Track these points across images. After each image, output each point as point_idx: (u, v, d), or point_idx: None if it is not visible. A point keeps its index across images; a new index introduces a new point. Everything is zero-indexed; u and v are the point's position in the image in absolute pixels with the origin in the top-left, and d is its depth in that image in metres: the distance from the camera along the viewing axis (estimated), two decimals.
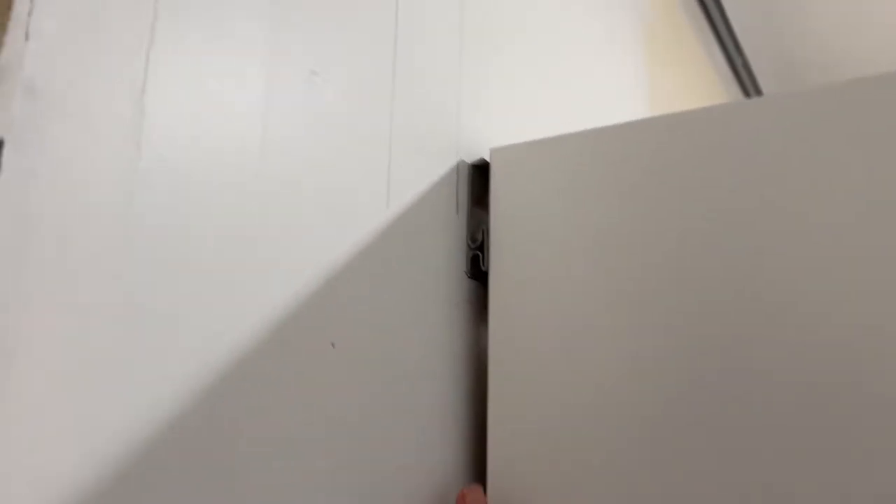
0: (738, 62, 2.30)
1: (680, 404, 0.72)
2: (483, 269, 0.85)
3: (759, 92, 2.44)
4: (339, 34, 0.72)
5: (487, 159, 0.89)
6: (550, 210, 0.84)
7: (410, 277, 0.78)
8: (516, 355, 0.81)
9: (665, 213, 0.77)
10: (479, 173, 0.90)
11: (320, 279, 0.66)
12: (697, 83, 1.97)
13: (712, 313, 0.72)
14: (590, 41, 1.32)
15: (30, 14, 0.46)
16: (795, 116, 0.70)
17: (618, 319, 0.77)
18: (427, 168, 0.82)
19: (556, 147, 0.86)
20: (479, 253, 0.86)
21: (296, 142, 0.65)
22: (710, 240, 0.74)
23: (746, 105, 0.76)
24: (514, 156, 0.87)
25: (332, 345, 0.66)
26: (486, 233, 0.86)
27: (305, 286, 0.64)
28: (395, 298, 0.75)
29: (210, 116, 0.57)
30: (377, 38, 0.77)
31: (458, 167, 0.88)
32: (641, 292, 0.77)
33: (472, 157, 0.90)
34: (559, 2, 1.22)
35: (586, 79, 1.28)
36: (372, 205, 0.74)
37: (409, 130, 0.80)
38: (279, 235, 0.63)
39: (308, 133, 0.67)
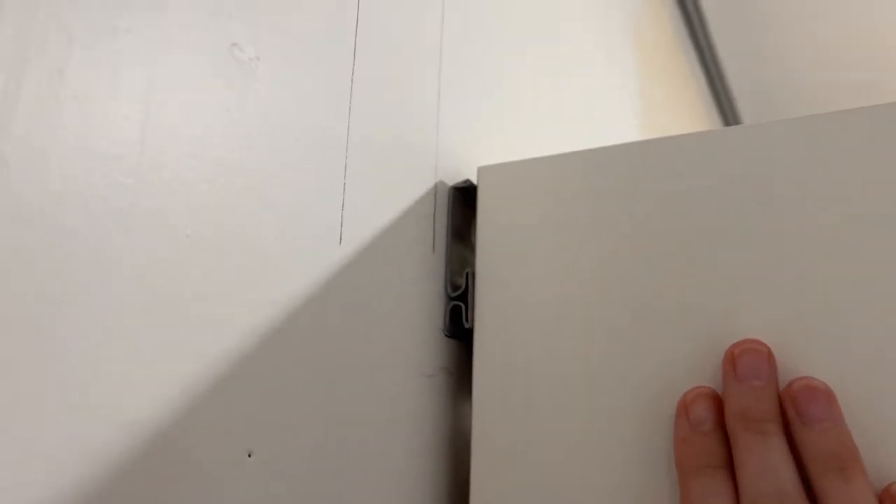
0: (719, 84, 2.18)
1: None
2: (466, 325, 0.64)
3: (732, 104, 2.32)
4: (276, 6, 0.51)
5: (473, 180, 0.69)
6: (556, 245, 0.63)
7: (367, 344, 0.56)
8: (510, 446, 0.60)
9: (683, 248, 0.58)
10: (463, 198, 0.69)
11: (231, 356, 0.44)
12: (682, 94, 1.81)
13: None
14: (581, 47, 1.13)
15: None
16: (782, 145, 0.60)
17: (638, 391, 0.57)
18: (395, 190, 0.61)
19: (563, 166, 0.66)
20: (460, 304, 0.65)
21: (197, 144, 0.43)
22: (719, 272, 0.55)
23: (744, 131, 0.62)
24: (508, 176, 0.67)
25: (249, 454, 0.44)
26: (470, 277, 0.65)
27: (208, 368, 0.42)
28: (343, 379, 0.53)
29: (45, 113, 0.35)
30: (335, 17, 0.56)
31: (435, 190, 0.66)
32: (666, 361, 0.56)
33: (453, 178, 0.69)
34: (550, 6, 1.02)
35: (578, 89, 1.08)
36: (318, 241, 0.52)
37: (372, 140, 0.59)
38: (156, 297, 0.40)
39: (218, 132, 0.45)
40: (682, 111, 1.78)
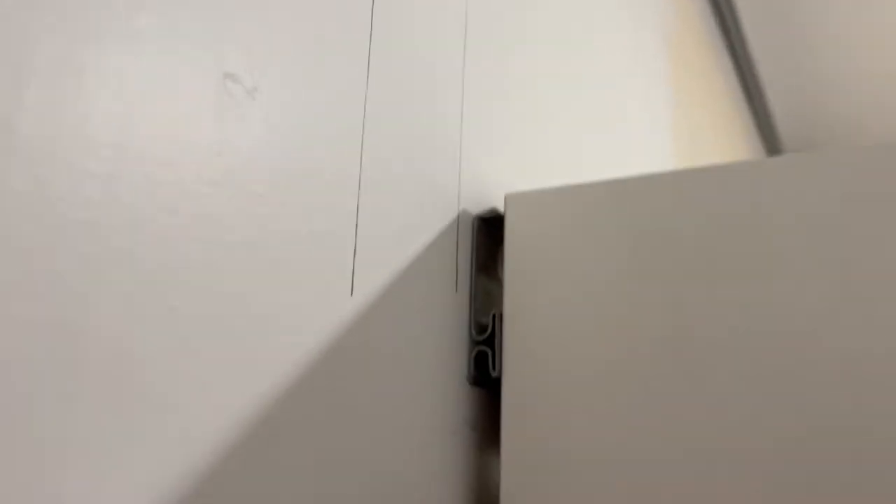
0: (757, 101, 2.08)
1: None
2: (493, 374, 0.58)
3: (772, 128, 2.22)
4: (278, 27, 0.44)
5: (500, 209, 0.62)
6: (592, 280, 0.57)
7: (382, 401, 0.50)
8: (540, 500, 0.54)
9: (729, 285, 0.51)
10: (488, 229, 0.63)
11: (231, 427, 0.37)
12: (716, 115, 1.72)
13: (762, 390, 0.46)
14: (612, 65, 1.05)
15: None
16: (824, 177, 0.54)
17: (687, 443, 0.51)
18: (414, 225, 0.55)
19: (598, 195, 0.59)
20: (486, 349, 0.59)
21: (178, 197, 0.37)
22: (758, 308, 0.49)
23: (776, 163, 0.57)
24: (538, 204, 0.60)
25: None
26: (497, 319, 0.58)
27: (206, 443, 0.36)
28: (356, 440, 0.47)
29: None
30: (344, 40, 0.49)
31: (458, 221, 0.60)
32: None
33: (478, 207, 0.62)
34: (580, 22, 0.95)
35: (609, 107, 1.01)
36: (327, 297, 0.45)
37: (388, 174, 0.52)
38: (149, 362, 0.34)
39: (205, 180, 0.38)
40: (716, 123, 1.69)
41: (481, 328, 0.60)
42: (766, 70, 2.02)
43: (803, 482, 0.49)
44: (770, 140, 2.28)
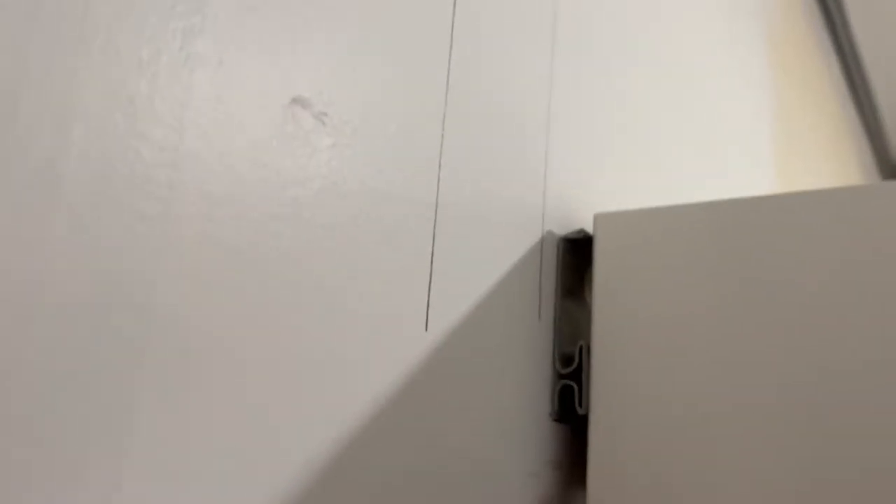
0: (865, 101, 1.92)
1: None
2: (580, 411, 0.53)
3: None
4: (349, 47, 0.41)
5: (588, 230, 0.57)
6: (686, 308, 0.52)
7: (458, 440, 0.46)
8: None
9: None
10: (575, 251, 0.58)
11: (312, 463, 0.35)
12: (820, 117, 1.60)
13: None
14: (707, 76, 0.98)
15: None
16: None
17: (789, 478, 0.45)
18: (494, 249, 0.51)
19: (693, 217, 0.54)
20: (572, 384, 0.54)
21: (247, 229, 0.34)
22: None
23: (886, 188, 0.48)
24: (629, 225, 0.55)
25: None
26: (584, 351, 0.54)
27: (294, 476, 0.33)
28: (432, 485, 0.43)
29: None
30: (422, 56, 0.46)
31: (542, 244, 0.56)
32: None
33: (564, 228, 0.58)
34: (675, 33, 0.88)
35: (705, 122, 0.94)
36: (402, 332, 0.42)
37: (466, 196, 0.48)
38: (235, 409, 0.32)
39: (272, 213, 0.35)
40: (822, 136, 1.57)
41: (567, 360, 0.55)
42: (878, 76, 1.86)
43: None
44: (883, 154, 2.11)
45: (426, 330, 0.44)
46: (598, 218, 0.56)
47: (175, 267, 0.30)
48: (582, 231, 0.57)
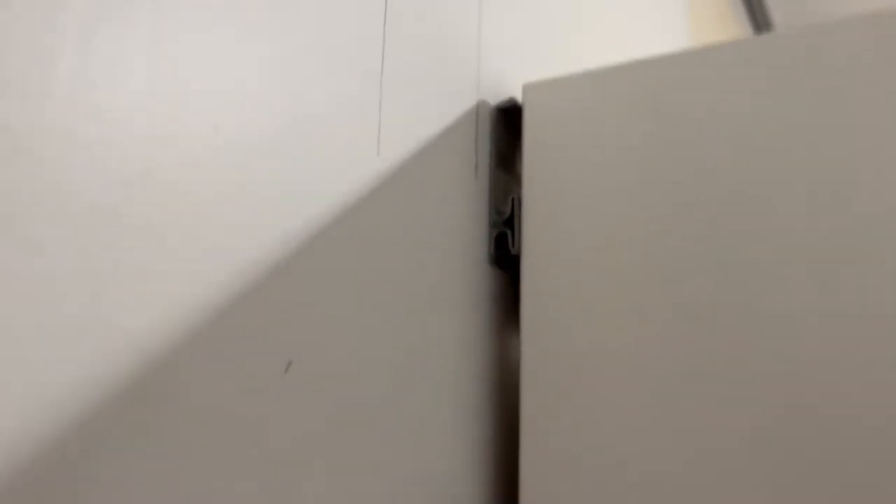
0: None
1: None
2: (513, 251, 0.60)
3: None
4: None
5: (518, 99, 0.64)
6: (609, 164, 0.59)
7: (409, 266, 0.52)
8: (559, 372, 0.56)
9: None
10: (507, 120, 0.65)
11: (266, 264, 0.40)
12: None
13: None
14: None
15: None
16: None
17: (699, 320, 0.53)
18: (433, 109, 0.57)
19: (615, 79, 0.61)
20: (506, 231, 0.61)
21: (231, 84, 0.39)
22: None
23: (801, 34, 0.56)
24: (556, 93, 0.62)
25: (289, 363, 0.40)
26: (517, 203, 0.61)
27: (243, 274, 0.39)
28: (384, 296, 0.49)
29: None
30: None
31: (477, 110, 0.62)
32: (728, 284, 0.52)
33: (496, 97, 0.65)
34: None
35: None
36: (355, 152, 0.48)
37: (408, 57, 0.55)
38: (189, 201, 0.37)
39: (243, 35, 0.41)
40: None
41: (500, 211, 0.62)
42: None
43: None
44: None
45: (378, 154, 0.50)
46: (526, 87, 0.63)
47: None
48: (512, 100, 0.64)
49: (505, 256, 0.61)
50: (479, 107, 0.62)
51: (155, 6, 0.36)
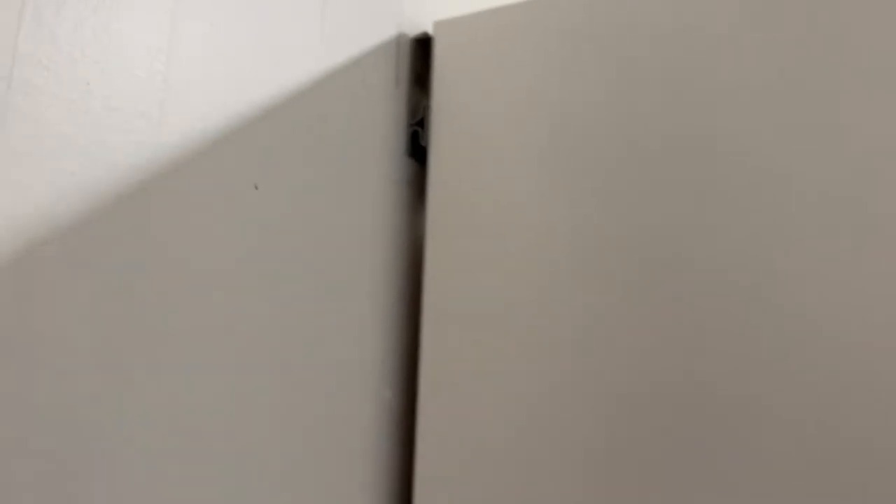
0: None
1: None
2: (422, 143, 0.80)
3: None
4: None
5: (430, 33, 0.84)
6: (501, 84, 0.78)
7: (346, 142, 0.72)
8: (456, 240, 0.76)
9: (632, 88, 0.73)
10: (422, 48, 0.85)
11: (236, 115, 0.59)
12: None
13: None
14: None
15: None
16: None
17: (572, 205, 0.73)
18: (365, 31, 0.76)
19: (510, 16, 0.80)
20: (418, 129, 0.81)
21: None
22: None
23: None
24: (460, 30, 0.82)
25: (256, 187, 0.60)
26: (427, 108, 0.81)
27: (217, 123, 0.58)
28: (325, 174, 0.69)
29: None
30: None
31: (398, 41, 0.82)
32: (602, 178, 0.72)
33: (415, 29, 0.84)
34: None
35: None
36: (304, 41, 0.67)
37: None
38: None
39: None
40: None
41: (414, 114, 0.82)
42: None
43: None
44: None
45: (321, 42, 0.69)
46: (437, 25, 0.83)
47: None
48: (425, 34, 0.84)
49: (416, 148, 0.81)
50: (400, 37, 0.82)
51: None
